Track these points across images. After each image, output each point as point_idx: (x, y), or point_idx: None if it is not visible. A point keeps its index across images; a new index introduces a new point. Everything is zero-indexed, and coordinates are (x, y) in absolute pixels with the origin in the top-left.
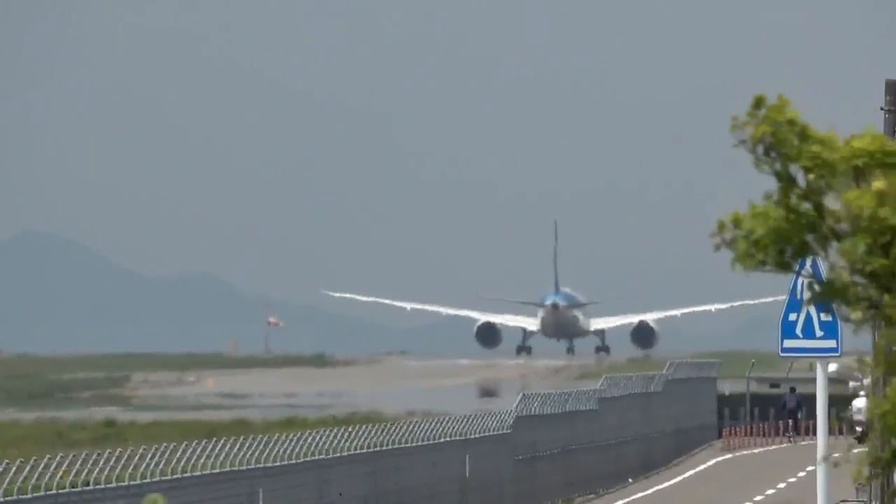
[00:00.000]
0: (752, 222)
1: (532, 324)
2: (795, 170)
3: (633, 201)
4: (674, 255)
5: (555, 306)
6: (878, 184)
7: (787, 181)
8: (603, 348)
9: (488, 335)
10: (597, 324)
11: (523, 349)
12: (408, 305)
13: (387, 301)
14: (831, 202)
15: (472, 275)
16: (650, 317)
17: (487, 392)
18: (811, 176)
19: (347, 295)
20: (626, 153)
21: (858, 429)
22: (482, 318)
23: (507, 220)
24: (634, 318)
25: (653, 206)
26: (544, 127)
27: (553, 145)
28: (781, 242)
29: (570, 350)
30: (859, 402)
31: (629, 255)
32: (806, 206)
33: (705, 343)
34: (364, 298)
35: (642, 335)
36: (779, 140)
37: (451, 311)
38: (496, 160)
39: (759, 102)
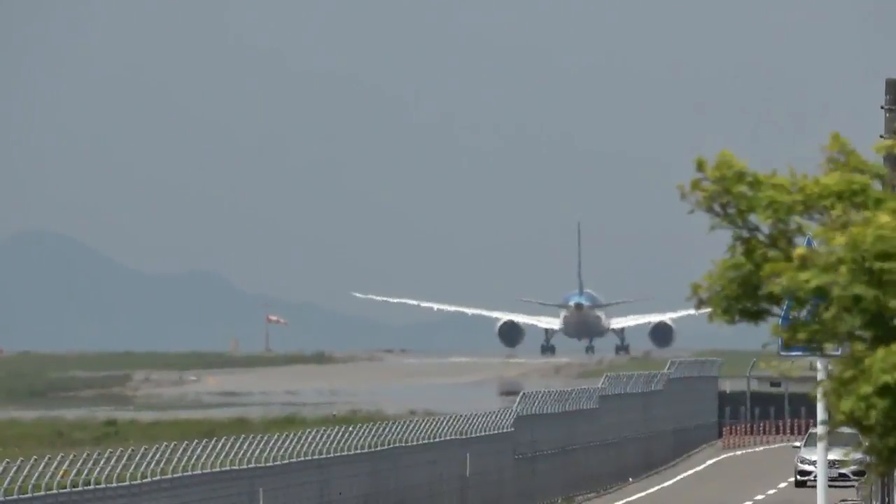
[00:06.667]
0: (722, 278)
1: (554, 323)
2: (755, 219)
3: (650, 201)
4: (686, 256)
5: (578, 307)
6: (800, 250)
7: (749, 232)
8: (623, 348)
9: (510, 334)
10: (617, 323)
11: (547, 348)
12: (434, 306)
13: (412, 302)
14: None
15: (477, 274)
16: (668, 316)
17: (490, 390)
18: (770, 221)
19: (373, 297)
20: (641, 154)
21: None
22: (505, 317)
23: (524, 220)
24: (653, 318)
25: (670, 206)
26: (559, 125)
27: (570, 144)
28: (752, 292)
29: (590, 349)
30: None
31: (647, 256)
32: (774, 253)
33: (706, 342)
34: (392, 300)
35: (660, 334)
36: (731, 193)
37: (476, 311)
38: (511, 159)
39: (700, 166)
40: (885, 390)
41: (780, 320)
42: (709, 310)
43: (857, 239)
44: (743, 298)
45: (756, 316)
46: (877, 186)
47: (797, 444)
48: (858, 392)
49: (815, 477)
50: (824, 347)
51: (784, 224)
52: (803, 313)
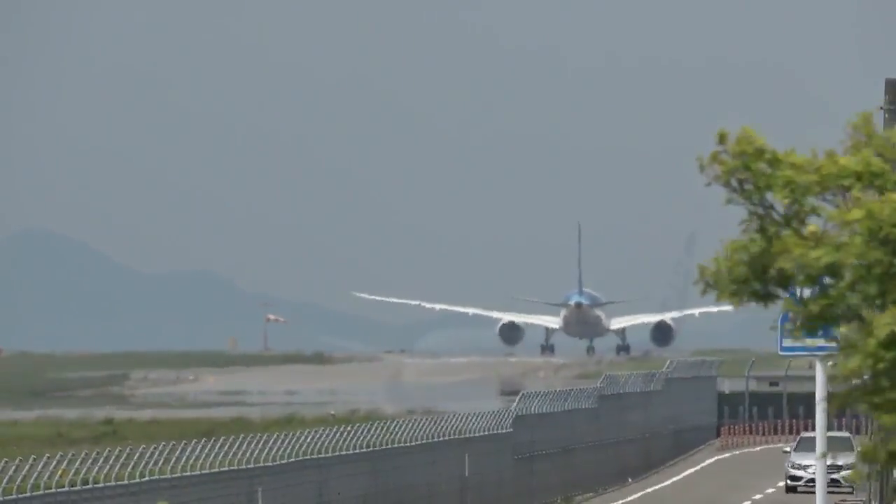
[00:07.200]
0: (732, 259)
1: (554, 322)
2: (771, 197)
3: (651, 200)
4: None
5: (578, 306)
6: (812, 227)
7: (764, 210)
8: (623, 347)
9: (511, 334)
10: (617, 323)
11: (546, 348)
12: (436, 306)
13: (413, 302)
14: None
15: (477, 274)
16: (668, 316)
17: (489, 390)
18: (787, 201)
19: (375, 297)
20: (646, 155)
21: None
22: (505, 317)
23: (524, 220)
24: (653, 318)
25: (670, 205)
26: (559, 124)
27: (574, 145)
28: (762, 273)
29: (591, 349)
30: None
31: (647, 255)
32: (786, 233)
33: (706, 341)
34: (394, 300)
35: (661, 334)
36: (750, 170)
37: (477, 312)
38: (512, 159)
39: (722, 139)
40: (890, 342)
41: (791, 296)
42: (716, 292)
43: (875, 210)
44: (752, 280)
45: (765, 298)
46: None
47: (787, 449)
48: (865, 349)
49: (806, 482)
50: (836, 321)
51: (800, 204)
52: (812, 291)
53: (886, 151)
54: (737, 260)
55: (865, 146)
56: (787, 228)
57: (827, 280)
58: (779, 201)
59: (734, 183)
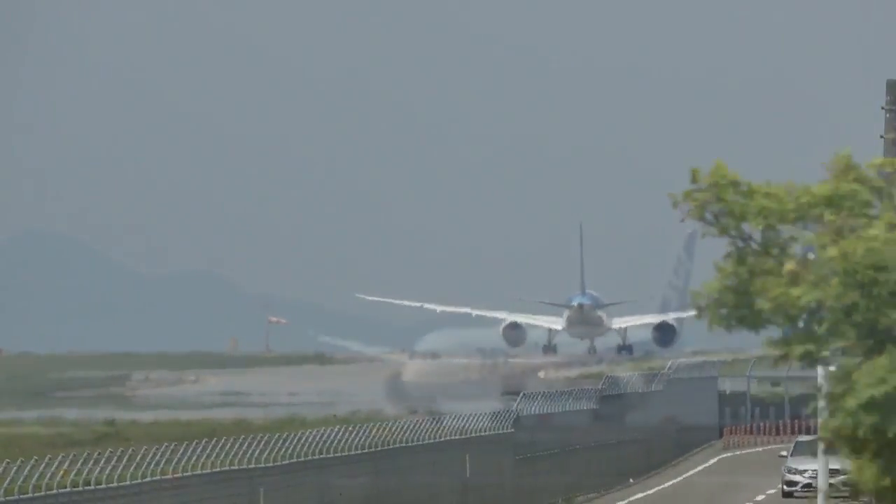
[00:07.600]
0: (718, 284)
1: (557, 323)
2: (747, 227)
3: (653, 200)
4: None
5: (580, 307)
6: (790, 265)
7: (743, 241)
8: (625, 347)
9: (513, 334)
10: (620, 323)
11: (549, 348)
12: (437, 308)
13: (416, 303)
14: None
15: (480, 274)
16: (670, 316)
17: (490, 391)
18: (761, 227)
19: (379, 298)
20: (646, 155)
21: (790, 487)
22: (509, 317)
23: (527, 221)
24: (655, 318)
25: (670, 205)
26: (561, 124)
27: (575, 146)
28: (748, 300)
29: (592, 350)
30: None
31: (650, 256)
32: (769, 263)
33: (708, 342)
34: (397, 301)
35: (662, 334)
36: (724, 201)
37: (480, 313)
38: (514, 159)
39: (695, 177)
40: (870, 405)
41: (779, 333)
42: (707, 318)
43: (849, 251)
44: (740, 306)
45: (754, 324)
46: (877, 201)
47: (783, 452)
48: (845, 407)
49: (802, 487)
50: (820, 361)
51: (775, 231)
52: (796, 328)
53: (865, 181)
54: (724, 286)
55: (843, 175)
56: (767, 257)
57: (810, 318)
58: (755, 229)
59: (708, 217)
